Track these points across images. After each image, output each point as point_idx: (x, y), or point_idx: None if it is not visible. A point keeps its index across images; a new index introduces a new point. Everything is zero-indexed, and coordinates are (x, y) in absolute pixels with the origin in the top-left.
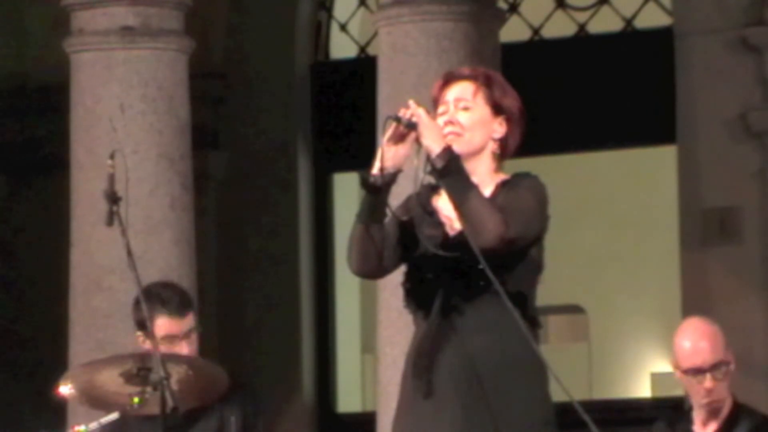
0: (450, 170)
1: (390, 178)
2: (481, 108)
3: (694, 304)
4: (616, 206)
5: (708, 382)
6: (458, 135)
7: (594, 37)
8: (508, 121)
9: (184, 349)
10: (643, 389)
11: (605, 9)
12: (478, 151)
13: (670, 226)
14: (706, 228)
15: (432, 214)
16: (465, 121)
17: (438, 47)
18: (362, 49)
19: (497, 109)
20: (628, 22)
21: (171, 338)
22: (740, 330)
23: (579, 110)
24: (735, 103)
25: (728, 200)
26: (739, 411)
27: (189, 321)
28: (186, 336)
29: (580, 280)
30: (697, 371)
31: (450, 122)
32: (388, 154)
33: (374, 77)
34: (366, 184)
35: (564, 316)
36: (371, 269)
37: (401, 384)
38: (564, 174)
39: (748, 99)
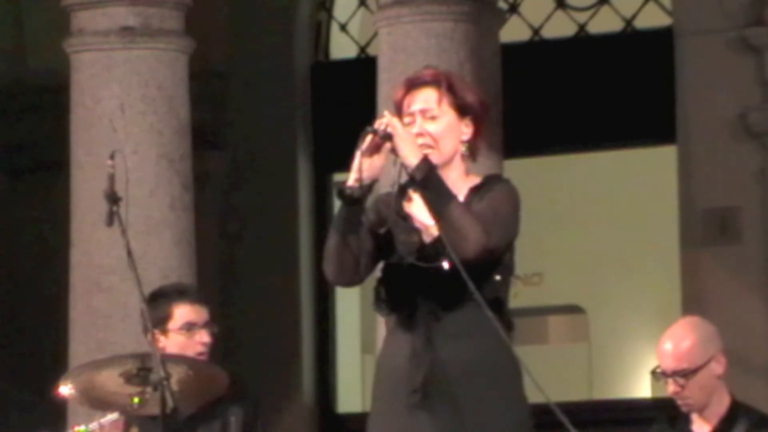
0: (429, 182)
1: (367, 189)
2: (447, 114)
3: (694, 304)
4: (616, 206)
5: (670, 385)
6: (430, 146)
7: (594, 38)
8: (474, 119)
9: (206, 338)
10: (643, 389)
11: (605, 9)
12: (450, 158)
13: (670, 226)
14: (706, 228)
15: (405, 218)
16: (434, 131)
17: (438, 47)
18: (362, 50)
19: (462, 110)
20: (628, 22)
21: (191, 326)
22: (740, 330)
23: (579, 110)
24: (735, 103)
25: (728, 200)
26: (736, 409)
27: (206, 311)
28: (205, 326)
29: (580, 280)
30: (662, 374)
31: (420, 134)
32: (364, 165)
33: (374, 77)
34: (343, 195)
35: (564, 316)
36: (348, 278)
37: (373, 390)
38: (564, 174)
39: (748, 99)
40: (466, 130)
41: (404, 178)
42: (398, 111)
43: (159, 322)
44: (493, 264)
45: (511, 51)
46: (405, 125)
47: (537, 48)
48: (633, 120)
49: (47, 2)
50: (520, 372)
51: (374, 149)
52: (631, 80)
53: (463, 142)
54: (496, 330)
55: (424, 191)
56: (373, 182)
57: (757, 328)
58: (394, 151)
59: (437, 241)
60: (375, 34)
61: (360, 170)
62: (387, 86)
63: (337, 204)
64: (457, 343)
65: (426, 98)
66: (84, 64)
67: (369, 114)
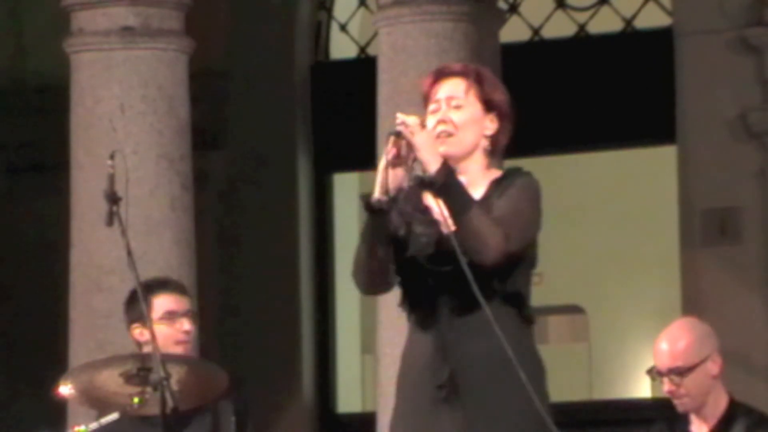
0: (449, 188)
1: (392, 200)
2: (473, 106)
3: (693, 304)
4: (616, 206)
5: (666, 384)
6: (451, 134)
7: (594, 38)
8: (499, 117)
9: (186, 325)
10: (643, 389)
11: (605, 9)
12: (471, 150)
13: (670, 226)
14: (706, 228)
15: (424, 211)
16: (458, 119)
17: (438, 47)
18: (362, 50)
19: (488, 105)
20: (628, 22)
21: (172, 314)
22: (740, 330)
23: (579, 110)
24: (735, 103)
25: (728, 200)
26: (735, 409)
27: (189, 302)
28: (186, 315)
29: (580, 280)
30: (658, 372)
31: (443, 121)
32: (389, 177)
33: (374, 78)
34: (370, 207)
35: (564, 316)
36: (378, 286)
37: (397, 387)
38: (564, 174)
39: (748, 99)
40: (490, 125)
41: (419, 170)
42: (425, 101)
43: (141, 315)
44: (516, 261)
45: (511, 51)
46: (430, 113)
47: (537, 48)
48: (633, 120)
49: (47, 2)
50: (543, 368)
51: (398, 161)
52: (631, 80)
53: (486, 136)
54: (516, 326)
55: (443, 197)
56: (399, 193)
57: (757, 328)
58: (412, 150)
59: (456, 233)
60: (375, 34)
61: (385, 183)
62: (387, 86)
63: (337, 204)
64: (480, 339)
65: (453, 87)
66: (84, 64)
67: (369, 114)
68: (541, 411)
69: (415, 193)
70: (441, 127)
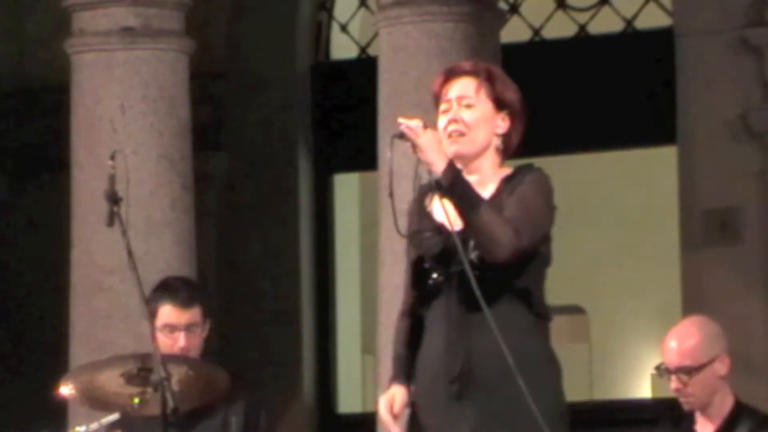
0: (456, 188)
1: None
2: (484, 104)
3: (694, 304)
4: (616, 206)
5: (673, 382)
6: (462, 134)
7: (594, 38)
8: (511, 115)
9: (181, 341)
10: (643, 390)
11: (606, 10)
12: (483, 149)
13: (670, 226)
14: (706, 228)
15: (429, 215)
16: (469, 118)
17: (438, 48)
18: (363, 50)
19: (500, 104)
20: (629, 22)
21: (171, 327)
22: (740, 330)
23: (579, 110)
24: (735, 103)
25: (728, 200)
26: (740, 410)
27: (192, 315)
28: (186, 329)
29: (580, 280)
30: (666, 370)
31: (454, 120)
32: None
33: (375, 78)
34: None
35: (564, 317)
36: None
37: (414, 384)
38: (564, 174)
39: (748, 99)
40: (501, 123)
41: (425, 175)
42: (436, 101)
43: (151, 315)
44: (529, 257)
45: (511, 51)
46: (441, 112)
47: (537, 48)
48: (633, 120)
49: (48, 3)
50: (557, 365)
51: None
52: (632, 80)
53: (497, 135)
54: (526, 323)
55: (451, 197)
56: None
57: (757, 328)
58: (415, 151)
59: (463, 232)
60: (375, 35)
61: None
62: (387, 86)
63: (337, 205)
64: (491, 336)
65: (464, 86)
66: (84, 65)
67: (369, 115)
68: (536, 409)
69: (421, 197)
70: (452, 127)
